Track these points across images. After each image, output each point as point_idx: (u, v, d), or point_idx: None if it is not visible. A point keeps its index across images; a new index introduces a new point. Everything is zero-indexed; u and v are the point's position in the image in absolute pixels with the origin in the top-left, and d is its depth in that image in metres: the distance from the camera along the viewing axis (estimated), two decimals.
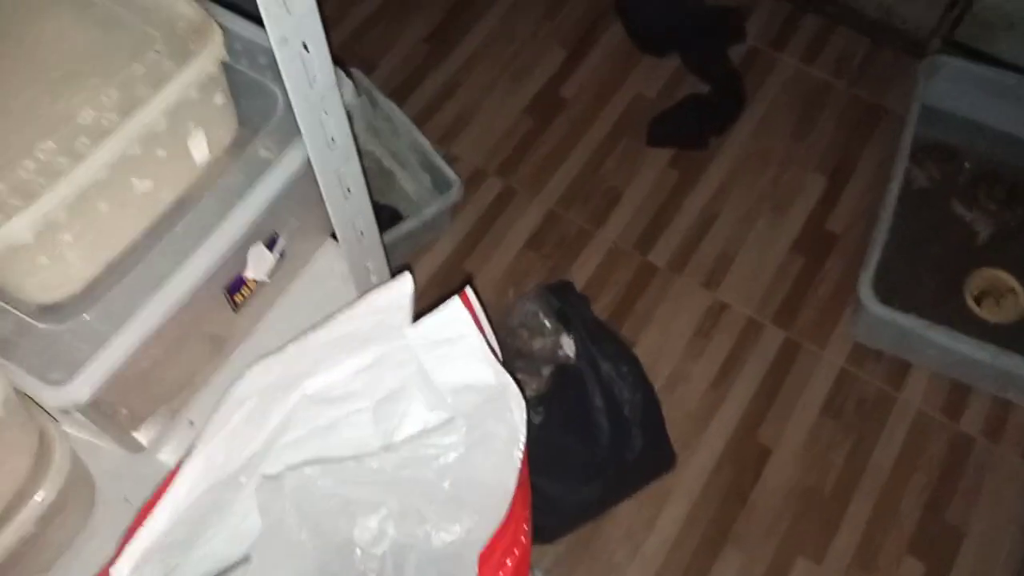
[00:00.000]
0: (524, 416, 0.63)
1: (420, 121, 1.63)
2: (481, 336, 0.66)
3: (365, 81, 1.50)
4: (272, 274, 0.70)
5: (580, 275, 1.50)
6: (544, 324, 1.31)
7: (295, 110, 0.57)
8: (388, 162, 1.56)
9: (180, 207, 0.63)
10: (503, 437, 0.63)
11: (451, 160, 1.59)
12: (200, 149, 0.62)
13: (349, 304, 0.67)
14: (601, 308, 1.47)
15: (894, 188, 1.44)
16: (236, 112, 0.67)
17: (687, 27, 1.68)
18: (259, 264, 0.68)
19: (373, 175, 1.56)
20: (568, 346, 1.32)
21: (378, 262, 0.76)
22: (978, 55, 1.63)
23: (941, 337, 1.34)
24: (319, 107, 0.58)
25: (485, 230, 1.54)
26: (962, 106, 1.61)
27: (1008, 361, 1.32)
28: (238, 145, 0.68)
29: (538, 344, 1.32)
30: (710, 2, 1.75)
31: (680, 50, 1.69)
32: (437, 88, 1.69)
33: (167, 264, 0.61)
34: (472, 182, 1.58)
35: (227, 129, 0.66)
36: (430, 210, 1.39)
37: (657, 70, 1.70)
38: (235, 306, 0.69)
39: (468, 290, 0.68)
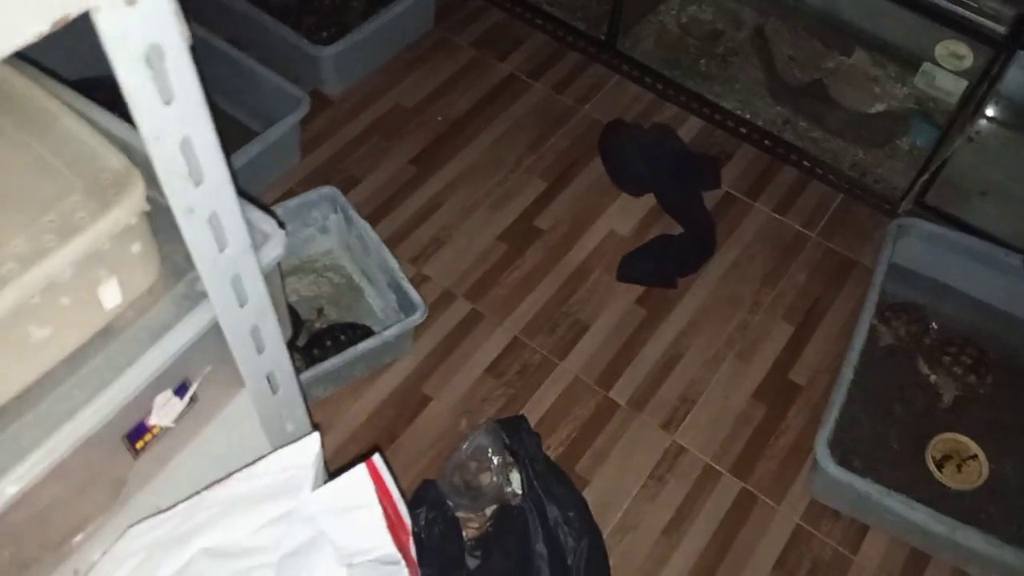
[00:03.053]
0: None
1: (397, 238, 1.66)
2: (381, 509, 0.64)
3: (341, 199, 1.52)
4: (180, 420, 0.69)
5: (539, 406, 1.48)
6: (492, 461, 1.28)
7: (201, 275, 0.57)
8: (358, 278, 1.57)
9: (83, 353, 0.62)
10: None
11: (421, 280, 1.60)
12: (111, 296, 0.62)
13: (252, 462, 0.65)
14: (558, 442, 1.45)
15: (856, 346, 1.43)
16: (159, 255, 0.67)
17: (665, 170, 1.72)
18: (165, 411, 0.67)
19: (343, 290, 1.57)
20: (516, 483, 1.30)
21: (296, 412, 0.75)
22: (950, 219, 1.65)
23: (898, 505, 1.30)
24: (229, 271, 0.58)
25: (447, 352, 1.53)
26: (931, 268, 1.62)
27: (965, 535, 1.28)
28: (158, 288, 0.68)
29: (486, 480, 1.29)
30: (691, 148, 1.80)
31: (656, 191, 1.72)
32: (418, 208, 1.71)
33: (62, 411, 0.60)
34: (440, 303, 1.58)
35: (145, 274, 0.66)
36: (391, 331, 1.39)
37: (632, 208, 1.72)
38: (136, 452, 0.67)
39: (376, 458, 0.67)
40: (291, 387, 0.73)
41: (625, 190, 1.74)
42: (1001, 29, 1.39)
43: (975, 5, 1.41)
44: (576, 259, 1.66)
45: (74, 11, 0.40)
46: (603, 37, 1.90)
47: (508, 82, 1.92)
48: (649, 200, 1.73)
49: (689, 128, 1.86)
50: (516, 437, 1.31)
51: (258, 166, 1.60)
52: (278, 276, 0.75)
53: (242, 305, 0.62)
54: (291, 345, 1.43)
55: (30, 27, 0.38)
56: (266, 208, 0.71)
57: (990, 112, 1.76)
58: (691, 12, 2.00)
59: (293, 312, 1.47)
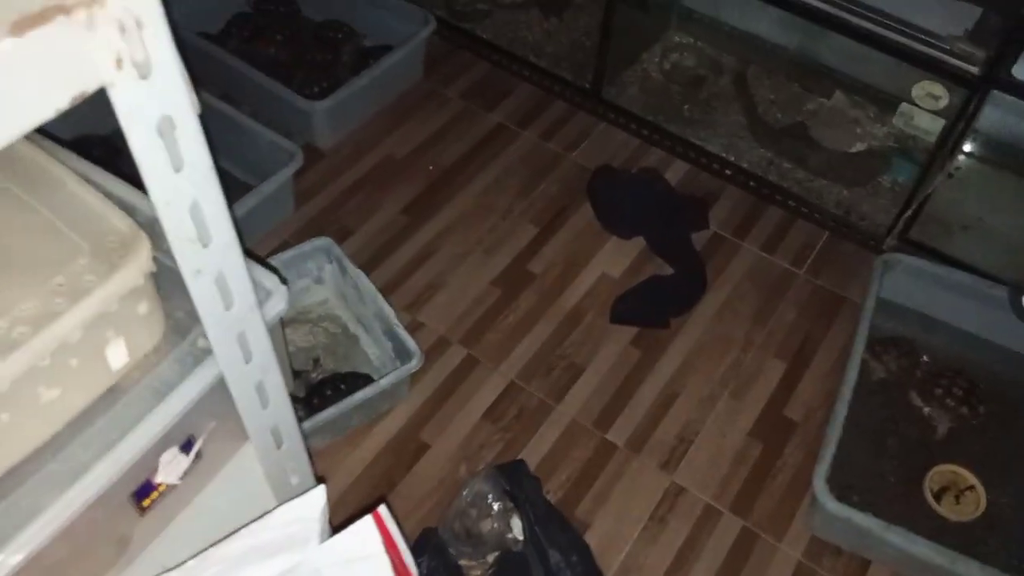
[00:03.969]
0: None
1: (391, 287, 1.67)
2: (389, 560, 0.65)
3: (336, 250, 1.54)
4: (185, 476, 0.70)
5: (537, 450, 1.49)
6: (493, 507, 1.28)
7: (208, 333, 0.58)
8: (353, 327, 1.59)
9: (90, 413, 0.63)
10: None
11: (416, 327, 1.62)
12: (118, 356, 0.63)
13: (258, 517, 0.66)
14: (557, 486, 1.45)
15: (849, 381, 1.45)
16: (163, 314, 0.69)
17: (653, 213, 1.75)
18: (171, 468, 0.67)
19: (338, 339, 1.58)
20: (517, 529, 1.30)
21: (300, 466, 0.76)
22: (935, 253, 1.68)
23: (898, 539, 1.31)
24: (235, 329, 0.60)
25: (444, 399, 1.54)
26: (918, 302, 1.64)
27: (967, 568, 1.29)
28: (163, 347, 0.69)
29: (486, 527, 1.29)
30: (678, 191, 1.84)
31: (645, 234, 1.75)
32: (411, 256, 1.73)
33: (69, 473, 0.61)
34: (435, 349, 1.60)
35: (150, 334, 0.67)
36: (387, 379, 1.40)
37: (623, 251, 1.75)
38: (142, 511, 0.68)
39: (382, 509, 0.68)
40: (295, 440, 0.74)
41: (615, 233, 1.76)
42: (974, 70, 1.44)
43: (948, 48, 1.46)
44: (569, 302, 1.68)
45: (92, 87, 0.42)
46: (588, 86, 1.95)
47: (497, 131, 1.96)
48: (639, 243, 1.76)
49: (675, 171, 1.89)
50: (516, 482, 1.31)
51: (253, 219, 1.62)
52: (280, 330, 0.77)
53: (247, 361, 0.63)
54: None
55: (51, 103, 0.40)
56: (267, 264, 0.72)
57: (969, 148, 1.81)
58: (673, 59, 2.05)
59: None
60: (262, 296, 0.71)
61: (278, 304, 0.71)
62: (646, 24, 2.06)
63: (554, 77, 2.00)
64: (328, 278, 1.59)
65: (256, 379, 0.65)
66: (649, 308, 1.65)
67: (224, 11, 2.03)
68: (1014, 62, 1.40)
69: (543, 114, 2.00)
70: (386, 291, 1.64)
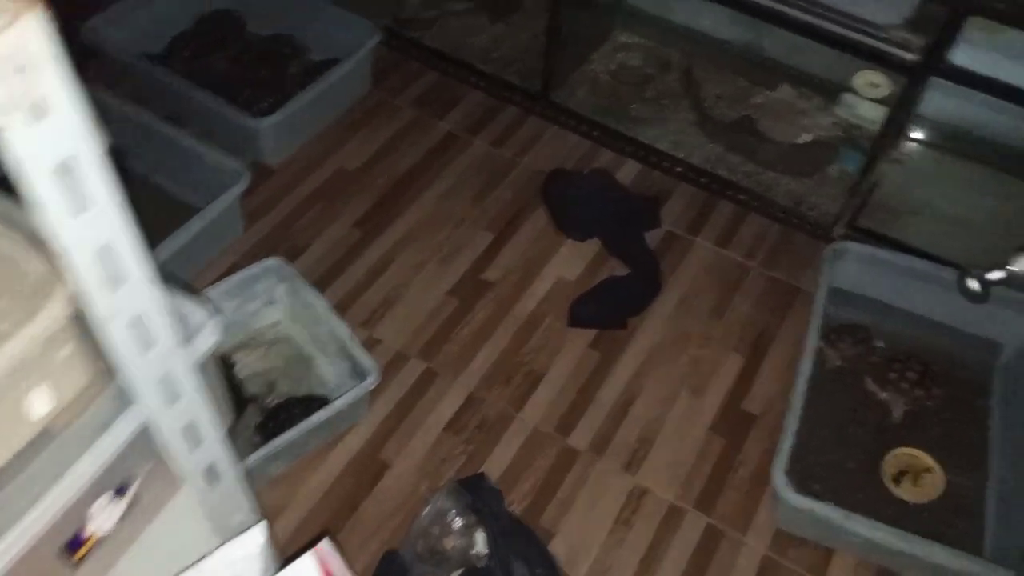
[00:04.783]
0: None
1: (346, 303, 1.66)
2: None
3: (287, 269, 1.52)
4: (122, 521, 0.68)
5: (500, 460, 1.48)
6: (455, 523, 1.27)
7: (125, 379, 0.56)
8: (308, 348, 1.57)
9: (14, 465, 0.61)
10: None
11: (373, 343, 1.60)
12: (40, 404, 0.61)
13: (199, 560, 0.64)
14: (522, 495, 1.44)
15: (804, 371, 1.45)
16: (93, 353, 0.67)
17: (607, 214, 1.75)
18: (104, 517, 0.65)
19: (293, 362, 1.56)
20: (481, 543, 1.29)
21: (241, 503, 0.74)
22: (885, 240, 1.70)
23: (859, 526, 1.32)
24: (157, 371, 0.58)
25: (404, 414, 1.53)
26: (870, 288, 1.66)
27: (928, 550, 1.30)
28: (94, 387, 0.67)
29: (449, 543, 1.28)
30: (631, 190, 1.84)
31: (600, 235, 1.74)
32: (365, 270, 1.72)
33: None
34: (393, 364, 1.58)
35: (79, 375, 0.65)
36: (343, 400, 1.38)
37: (578, 253, 1.75)
38: (76, 563, 0.66)
39: (323, 544, 0.66)
40: (234, 477, 0.72)
41: (570, 236, 1.76)
42: (912, 57, 1.45)
43: (885, 36, 1.47)
44: (526, 308, 1.67)
45: None
46: (537, 90, 1.94)
47: (448, 140, 1.95)
48: (594, 244, 1.76)
49: (628, 171, 1.90)
50: (478, 496, 1.30)
51: (201, 242, 1.59)
52: (214, 363, 0.75)
53: (173, 403, 0.62)
54: (253, 424, 1.41)
55: None
56: (198, 293, 0.71)
57: (917, 134, 1.83)
58: (620, 59, 2.05)
59: (237, 391, 1.45)
60: (192, 330, 0.69)
61: (210, 337, 0.70)
62: (592, 25, 2.07)
63: (503, 82, 1.99)
64: (280, 299, 1.57)
65: (184, 420, 0.63)
66: (606, 310, 1.65)
67: (168, 31, 2.00)
68: (951, 48, 1.42)
69: (494, 120, 1.99)
70: (341, 307, 1.62)
